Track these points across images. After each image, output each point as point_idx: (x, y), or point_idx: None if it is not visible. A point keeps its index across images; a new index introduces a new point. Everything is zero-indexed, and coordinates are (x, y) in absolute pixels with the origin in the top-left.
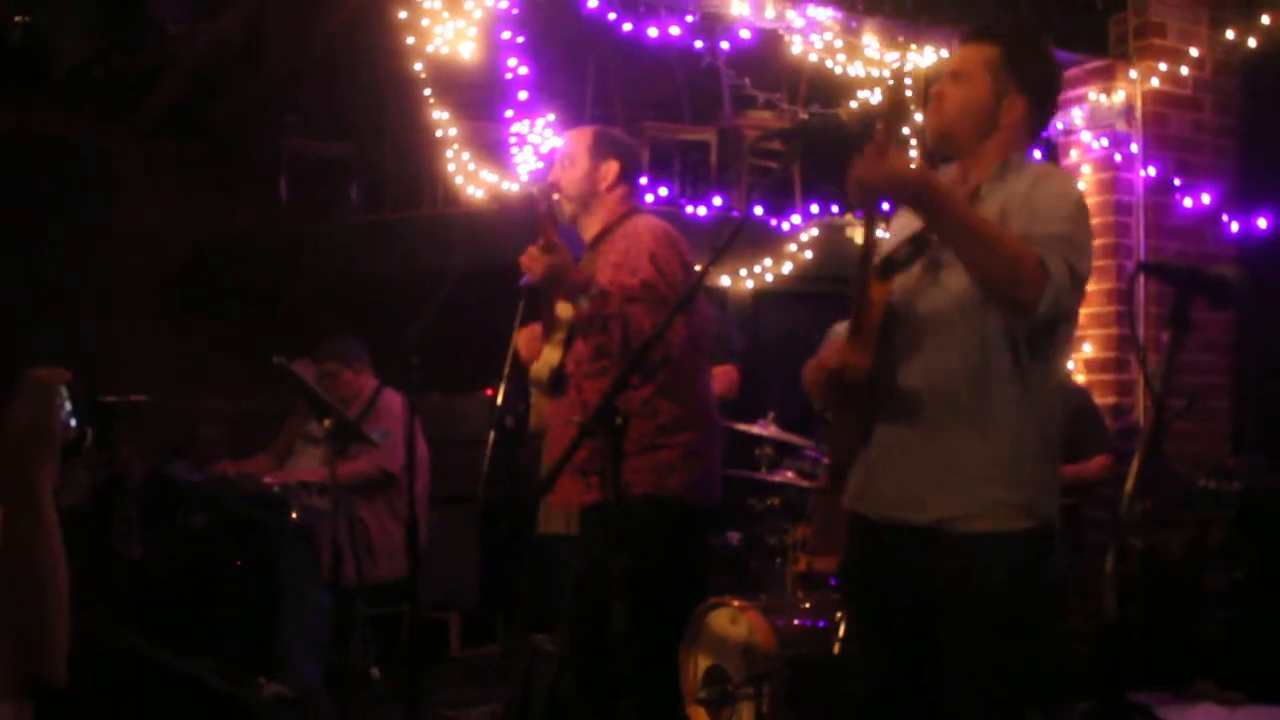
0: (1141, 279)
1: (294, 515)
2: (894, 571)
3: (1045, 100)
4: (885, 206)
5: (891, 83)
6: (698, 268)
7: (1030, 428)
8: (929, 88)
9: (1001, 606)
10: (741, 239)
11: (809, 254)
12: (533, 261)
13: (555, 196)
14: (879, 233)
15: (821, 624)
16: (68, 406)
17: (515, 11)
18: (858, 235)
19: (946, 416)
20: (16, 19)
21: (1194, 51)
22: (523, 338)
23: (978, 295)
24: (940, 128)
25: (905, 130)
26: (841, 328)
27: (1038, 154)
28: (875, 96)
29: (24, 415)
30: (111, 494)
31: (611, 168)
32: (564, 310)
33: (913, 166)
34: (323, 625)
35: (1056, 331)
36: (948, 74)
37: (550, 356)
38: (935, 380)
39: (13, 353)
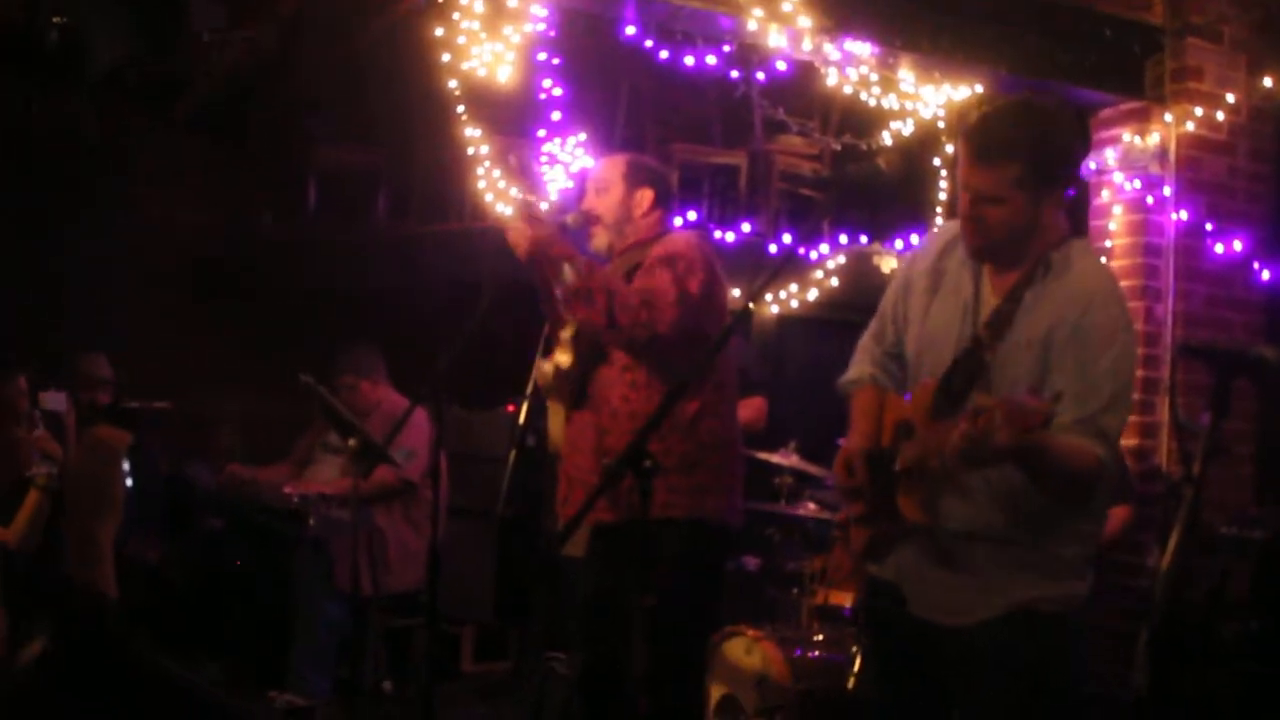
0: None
1: (310, 524)
2: (923, 652)
3: (1075, 184)
4: None
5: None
6: (738, 297)
7: (1078, 533)
8: (967, 205)
9: (1030, 686)
10: (767, 265)
11: (835, 281)
12: (518, 235)
13: (591, 224)
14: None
15: (837, 658)
16: (126, 466)
17: (552, 34)
18: (884, 264)
19: (995, 534)
20: (55, 19)
21: (1230, 97)
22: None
23: None
24: (985, 244)
25: (936, 162)
26: (863, 402)
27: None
28: (907, 128)
29: (89, 475)
30: (133, 498)
31: (646, 195)
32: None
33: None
34: (333, 637)
35: None
36: (981, 196)
37: (559, 358)
38: (982, 507)
39: (41, 344)
